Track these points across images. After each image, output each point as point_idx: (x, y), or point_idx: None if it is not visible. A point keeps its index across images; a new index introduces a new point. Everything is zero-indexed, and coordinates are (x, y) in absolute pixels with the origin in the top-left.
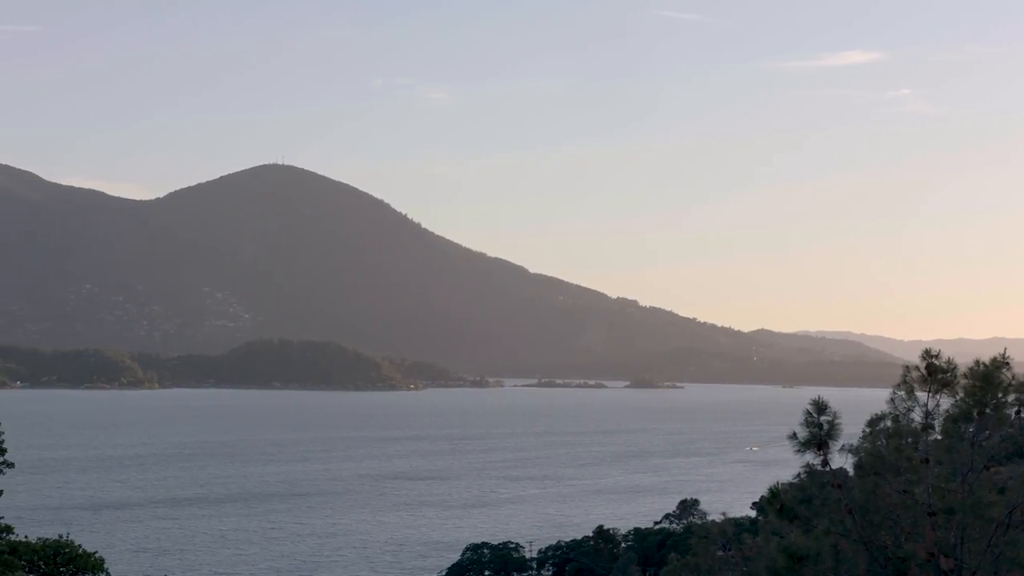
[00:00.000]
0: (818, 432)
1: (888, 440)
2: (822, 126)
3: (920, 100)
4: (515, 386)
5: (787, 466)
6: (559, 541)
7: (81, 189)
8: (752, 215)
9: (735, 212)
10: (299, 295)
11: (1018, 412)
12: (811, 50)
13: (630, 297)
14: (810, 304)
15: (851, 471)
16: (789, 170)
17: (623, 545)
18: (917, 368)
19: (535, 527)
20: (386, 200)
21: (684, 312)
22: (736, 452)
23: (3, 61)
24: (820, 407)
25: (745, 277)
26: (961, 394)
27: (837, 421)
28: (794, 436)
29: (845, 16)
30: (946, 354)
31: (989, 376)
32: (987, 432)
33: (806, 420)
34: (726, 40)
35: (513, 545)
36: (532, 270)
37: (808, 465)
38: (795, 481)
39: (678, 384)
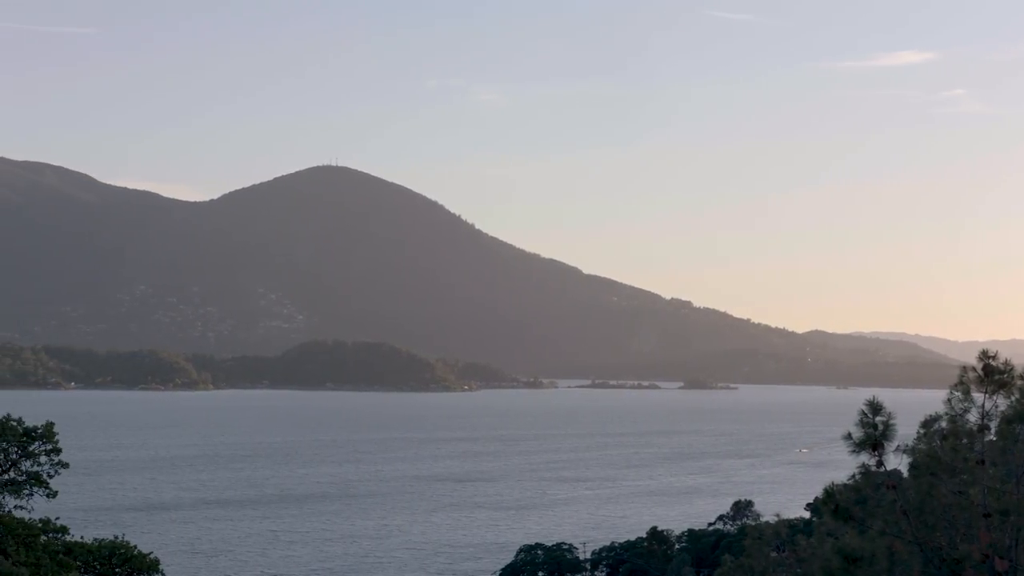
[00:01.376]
0: (873, 433)
1: (943, 441)
2: (875, 127)
3: (974, 100)
4: (569, 387)
5: (837, 468)
6: (612, 542)
7: (135, 191)
8: (805, 216)
9: (789, 213)
10: (353, 296)
11: None
12: (864, 50)
13: (684, 298)
14: (864, 305)
15: (905, 472)
16: (844, 171)
17: (676, 546)
18: (974, 369)
19: (588, 528)
20: (440, 201)
21: (738, 313)
22: (786, 454)
23: (60, 63)
24: (875, 408)
25: (799, 278)
26: (1018, 395)
27: (892, 422)
28: (849, 437)
29: (898, 16)
30: (1002, 355)
31: None
32: None
33: (861, 421)
34: (778, 41)
35: (567, 546)
36: (586, 271)
37: (863, 466)
38: (850, 482)
39: (732, 385)
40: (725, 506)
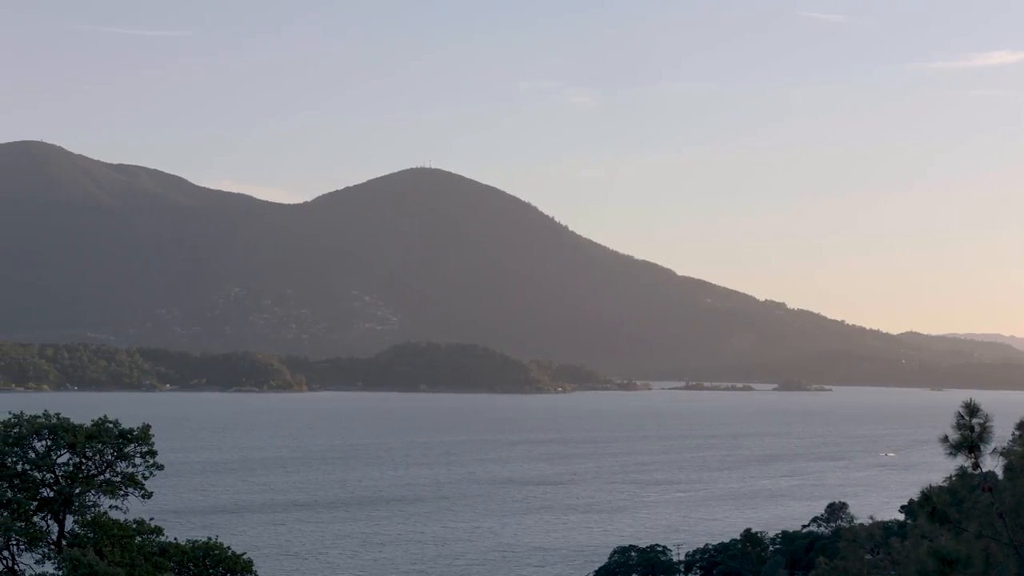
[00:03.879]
0: (970, 435)
1: None
2: (969, 128)
3: None
4: (663, 389)
5: (925, 470)
6: (706, 544)
7: (229, 193)
8: (899, 217)
9: (883, 214)
10: (446, 298)
11: None
12: (957, 51)
13: (778, 299)
14: (959, 306)
15: (1000, 474)
16: (937, 172)
17: (770, 548)
18: None
19: (681, 530)
20: (533, 203)
21: (833, 314)
22: (872, 456)
23: (156, 67)
24: (972, 410)
25: (894, 279)
26: None
27: (989, 424)
28: (945, 439)
29: (989, 16)
30: None
31: None
32: None
33: (957, 423)
34: (870, 42)
35: (660, 548)
36: (680, 273)
37: (960, 468)
38: (945, 484)
39: (826, 387)
40: (816, 509)
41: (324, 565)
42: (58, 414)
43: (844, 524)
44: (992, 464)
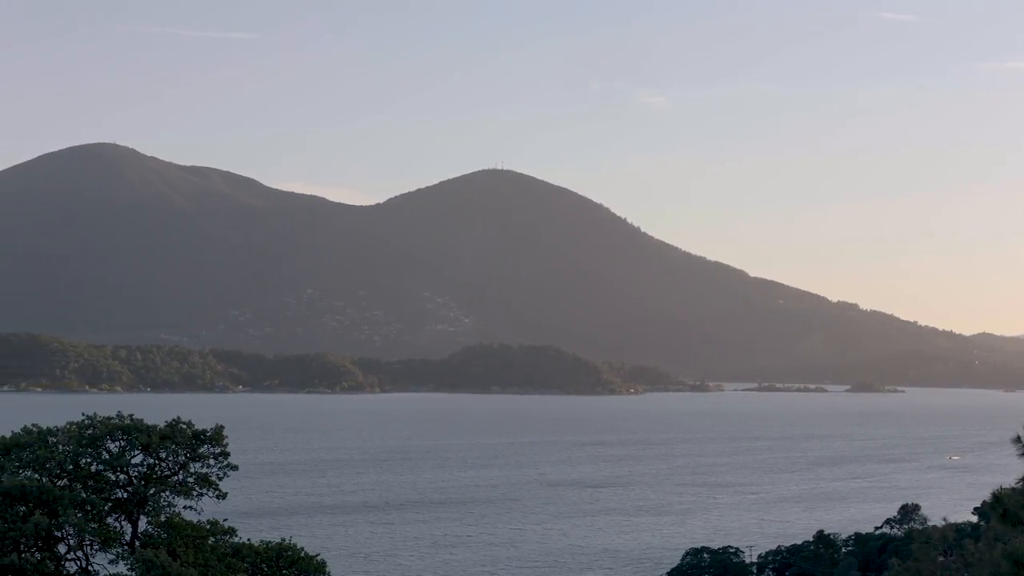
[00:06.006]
0: None
1: None
2: None
3: None
4: (735, 390)
5: (995, 472)
6: (779, 546)
7: (301, 195)
8: (972, 217)
9: (955, 215)
10: (518, 299)
11: None
12: None
13: (851, 300)
14: None
15: None
16: (1010, 172)
17: (843, 550)
18: None
19: (752, 532)
20: (605, 204)
21: (905, 315)
22: (938, 458)
23: (227, 69)
24: None
25: (967, 280)
26: None
27: None
28: (1018, 439)
29: None
30: None
31: None
32: None
33: None
34: (943, 41)
35: (733, 550)
36: (752, 274)
37: None
38: (1018, 486)
39: (899, 388)
40: (886, 511)
41: (394, 567)
42: (131, 415)
43: (917, 526)
44: None
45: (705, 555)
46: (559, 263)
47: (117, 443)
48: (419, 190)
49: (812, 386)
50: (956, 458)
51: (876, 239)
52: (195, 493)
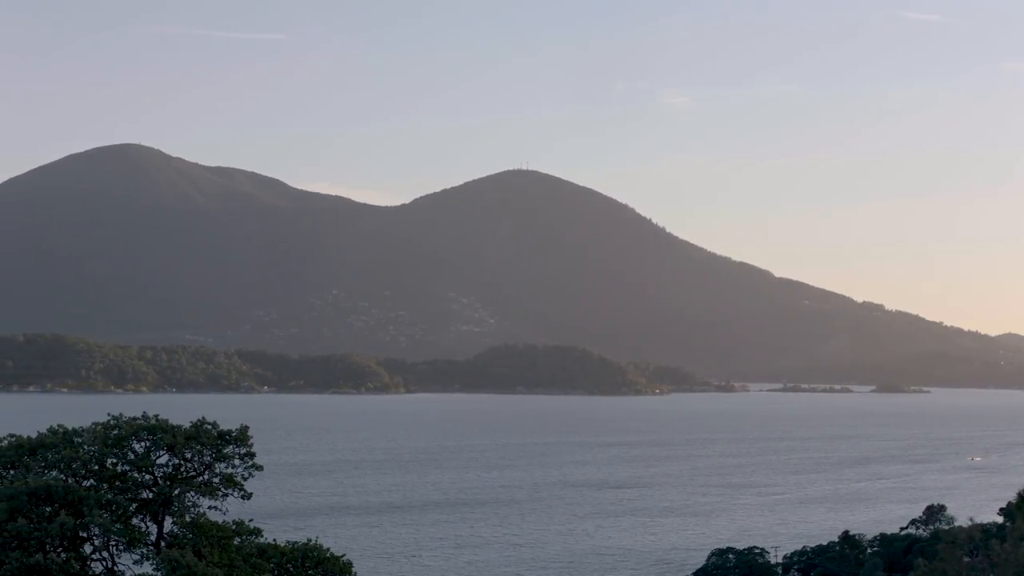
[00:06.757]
0: None
1: None
2: None
3: None
4: (760, 391)
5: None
6: (804, 547)
7: (326, 195)
8: (997, 218)
9: (981, 215)
10: (543, 300)
11: None
12: None
13: (876, 301)
14: None
15: None
16: None
17: (868, 551)
18: None
19: (776, 533)
20: (630, 204)
21: (930, 316)
22: (960, 459)
23: (252, 69)
24: None
25: (992, 280)
26: None
27: None
28: None
29: None
30: None
31: None
32: None
33: None
34: (967, 41)
35: (758, 550)
36: (777, 274)
37: None
38: None
39: (924, 389)
40: (910, 511)
41: (419, 567)
42: (157, 415)
43: (943, 526)
44: None
45: (730, 556)
46: (584, 263)
47: (142, 443)
48: (444, 190)
49: (837, 387)
50: (978, 459)
51: (901, 239)
52: (220, 493)
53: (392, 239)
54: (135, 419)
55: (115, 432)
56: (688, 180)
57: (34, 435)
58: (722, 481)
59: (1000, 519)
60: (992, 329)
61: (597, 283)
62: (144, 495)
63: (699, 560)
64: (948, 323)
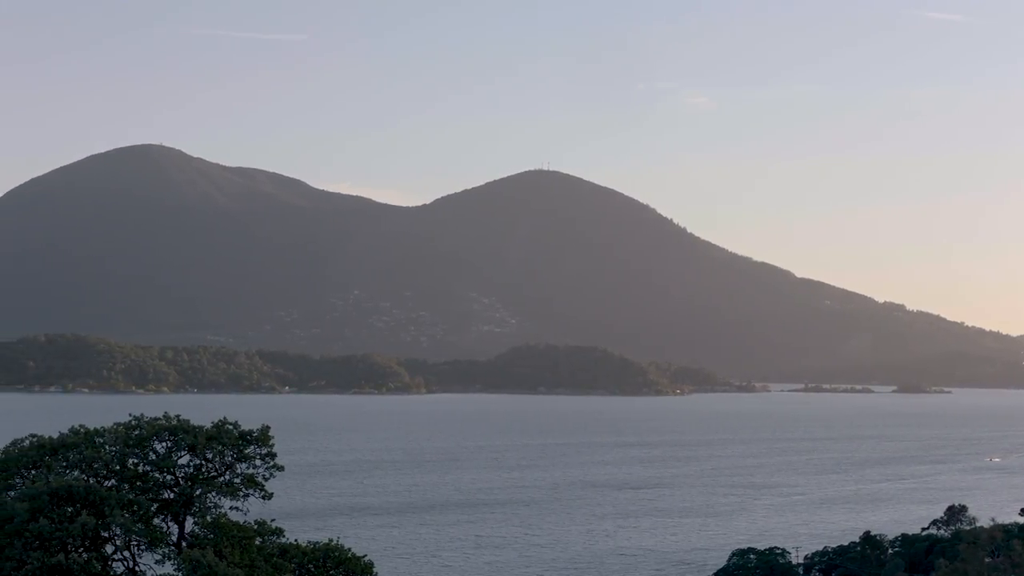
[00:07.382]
0: None
1: None
2: None
3: None
4: (781, 391)
5: None
6: (825, 547)
7: (347, 196)
8: (1019, 218)
9: (1003, 215)
10: (564, 300)
11: None
12: None
13: (897, 301)
14: None
15: None
16: None
17: (890, 551)
18: None
19: (797, 533)
20: (651, 204)
21: (952, 316)
22: (978, 460)
23: (273, 70)
24: None
25: (1014, 280)
26: None
27: None
28: None
29: None
30: None
31: None
32: None
33: None
34: (988, 40)
35: (779, 551)
36: (798, 274)
37: None
38: None
39: (946, 389)
40: (931, 512)
41: (438, 567)
42: (178, 416)
43: (964, 527)
44: None
45: (751, 556)
46: (605, 263)
47: (164, 444)
48: (465, 191)
49: (859, 387)
50: (996, 459)
51: (923, 240)
52: (241, 494)
53: (413, 239)
54: (156, 419)
55: (136, 432)
56: (709, 180)
57: (55, 435)
58: (743, 481)
59: (1021, 520)
60: (1014, 329)
61: (618, 283)
62: (165, 495)
63: (720, 560)
64: (969, 323)
